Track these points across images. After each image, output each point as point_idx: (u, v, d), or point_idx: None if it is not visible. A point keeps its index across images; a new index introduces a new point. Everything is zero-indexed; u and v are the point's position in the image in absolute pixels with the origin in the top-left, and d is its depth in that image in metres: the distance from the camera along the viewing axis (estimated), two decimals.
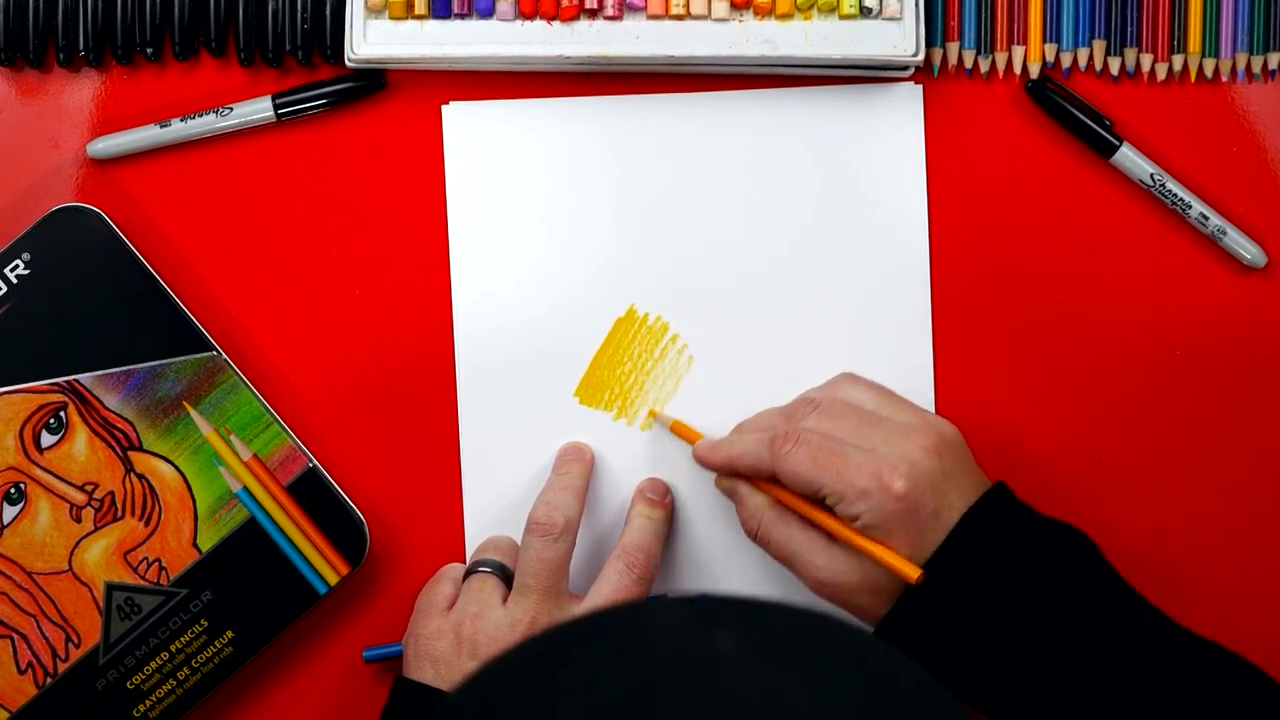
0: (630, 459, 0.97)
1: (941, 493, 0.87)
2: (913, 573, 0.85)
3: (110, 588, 0.94)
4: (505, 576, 0.93)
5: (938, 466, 0.87)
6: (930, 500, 0.86)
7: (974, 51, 0.97)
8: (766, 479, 0.91)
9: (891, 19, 0.95)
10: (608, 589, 0.92)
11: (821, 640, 0.60)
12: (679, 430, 0.96)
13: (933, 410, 0.97)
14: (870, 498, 0.86)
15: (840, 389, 0.92)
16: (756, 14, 0.95)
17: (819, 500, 0.88)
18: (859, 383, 0.92)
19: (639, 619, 0.61)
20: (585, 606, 0.92)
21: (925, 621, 0.86)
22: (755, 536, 0.91)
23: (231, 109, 0.96)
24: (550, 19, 0.94)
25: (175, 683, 0.94)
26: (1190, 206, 0.97)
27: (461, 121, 0.97)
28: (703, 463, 0.94)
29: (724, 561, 0.98)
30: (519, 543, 0.94)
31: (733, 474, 0.93)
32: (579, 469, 0.95)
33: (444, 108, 0.97)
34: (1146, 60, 0.97)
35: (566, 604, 0.92)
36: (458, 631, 0.91)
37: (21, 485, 0.94)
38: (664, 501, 0.96)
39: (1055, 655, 0.85)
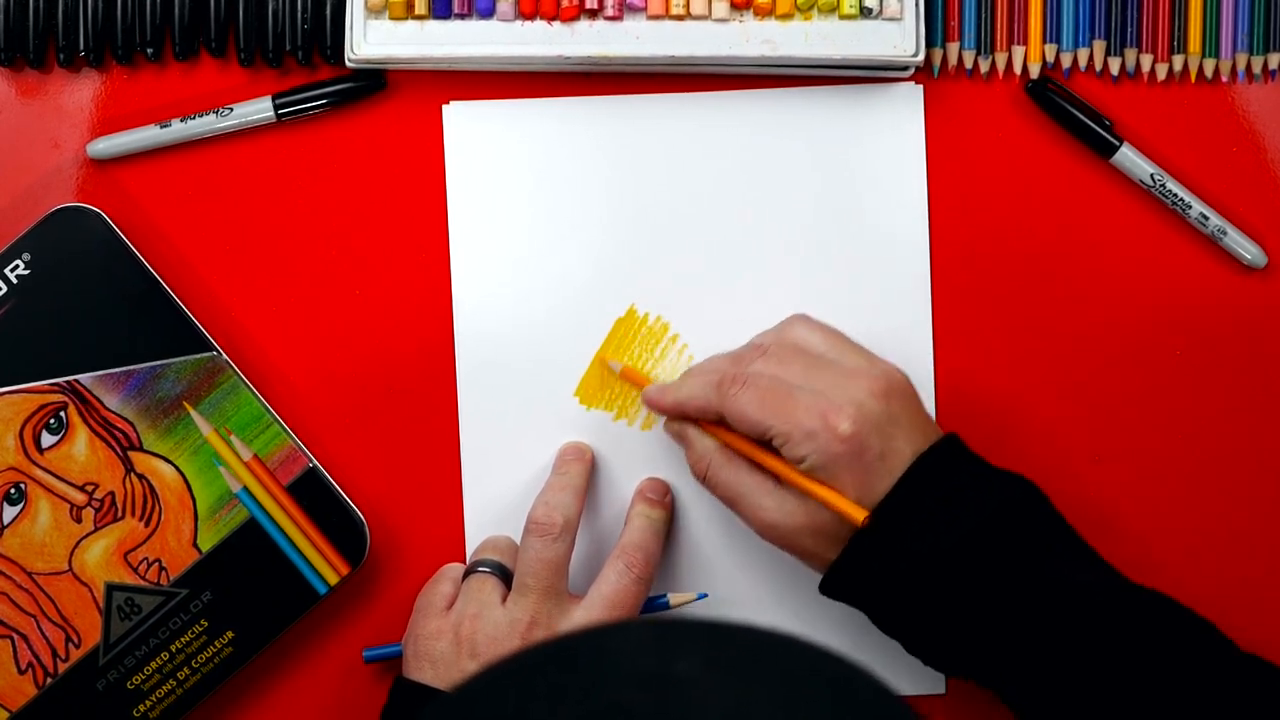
0: (630, 459, 0.97)
1: (888, 436, 0.87)
2: (858, 514, 0.85)
3: (110, 588, 0.94)
4: (505, 576, 0.93)
5: (885, 410, 0.87)
6: (876, 443, 0.86)
7: (974, 52, 0.97)
8: (714, 421, 0.91)
9: (891, 19, 0.95)
10: (607, 589, 0.92)
11: (786, 661, 0.60)
12: (629, 375, 0.96)
13: (933, 408, 0.97)
14: (816, 439, 0.86)
15: (790, 331, 0.92)
16: (756, 14, 0.95)
17: (766, 442, 0.88)
18: (810, 324, 0.92)
19: (603, 642, 0.61)
20: (584, 607, 0.92)
21: (872, 566, 0.86)
22: (703, 479, 0.92)
23: (231, 109, 0.96)
24: (550, 19, 0.94)
25: (175, 683, 0.94)
26: (1190, 206, 0.97)
27: (462, 121, 0.97)
28: (652, 406, 0.94)
29: (725, 561, 0.98)
30: (518, 543, 0.94)
31: (682, 417, 0.93)
32: (579, 468, 0.95)
33: (444, 107, 0.97)
34: (1146, 60, 0.97)
35: (566, 604, 0.92)
36: (457, 631, 0.91)
37: (21, 485, 0.94)
38: (664, 501, 0.96)
39: (1002, 604, 0.85)
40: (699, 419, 0.92)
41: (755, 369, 0.89)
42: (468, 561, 0.96)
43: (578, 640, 0.62)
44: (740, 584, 0.98)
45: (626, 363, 0.96)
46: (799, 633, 0.62)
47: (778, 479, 0.89)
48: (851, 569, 0.87)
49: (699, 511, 0.97)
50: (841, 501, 0.86)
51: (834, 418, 0.86)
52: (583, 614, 0.91)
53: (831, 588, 0.89)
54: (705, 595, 0.97)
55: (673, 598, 0.96)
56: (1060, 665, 0.85)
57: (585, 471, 0.95)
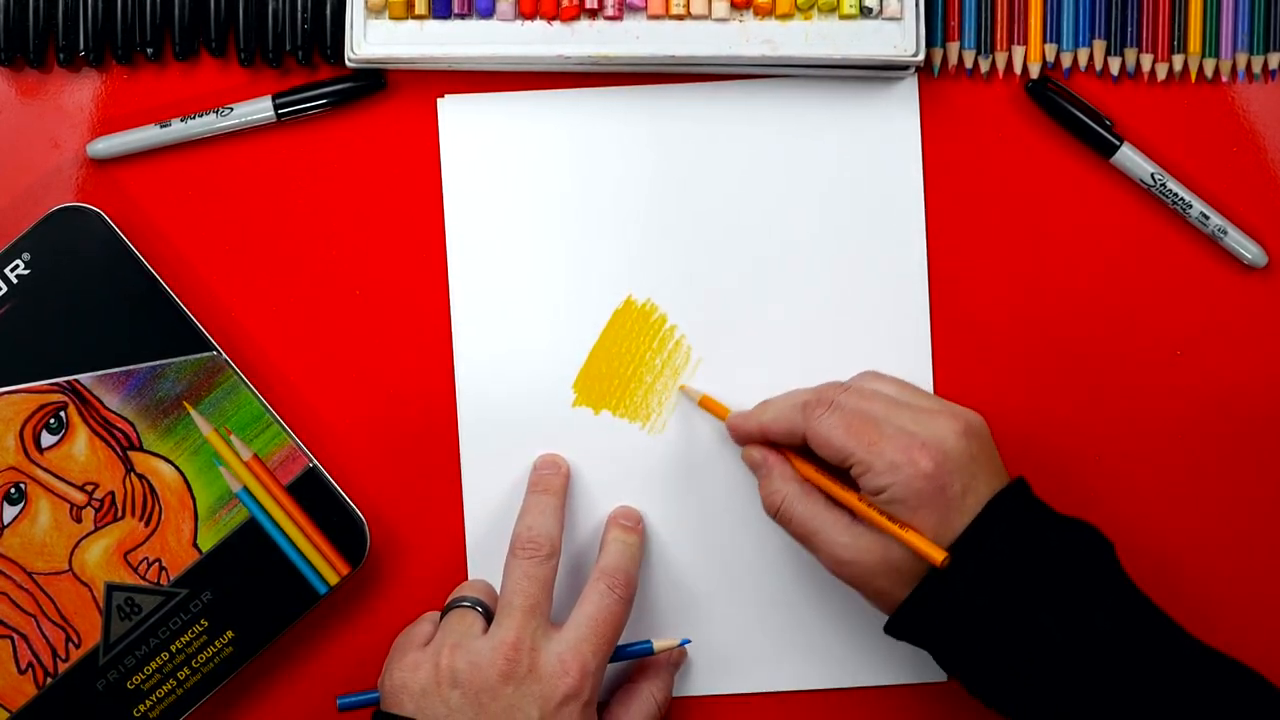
0: (628, 454, 0.97)
1: (969, 475, 0.87)
2: (938, 555, 0.85)
3: (110, 588, 0.94)
4: (485, 613, 0.93)
5: (966, 449, 0.87)
6: (958, 482, 0.86)
7: (974, 51, 0.97)
8: (797, 447, 0.91)
9: (891, 19, 0.95)
10: (590, 609, 0.91)
11: None
12: (707, 405, 0.96)
13: None
14: (899, 471, 0.86)
15: (865, 378, 0.93)
16: (756, 14, 0.95)
17: (844, 470, 0.88)
18: (882, 377, 0.93)
19: None
20: (569, 627, 0.91)
21: (945, 607, 0.86)
22: (777, 512, 0.91)
23: (231, 109, 0.96)
24: (550, 19, 0.94)
25: (175, 683, 0.94)
26: (1191, 206, 0.97)
27: (457, 114, 0.97)
28: (736, 431, 0.94)
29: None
30: (496, 588, 0.94)
31: (763, 442, 0.93)
32: (557, 485, 0.95)
33: (439, 100, 0.97)
34: (1146, 60, 0.97)
35: (549, 629, 0.91)
36: (436, 662, 0.89)
37: (22, 485, 0.94)
38: (637, 528, 0.96)
39: (1067, 655, 0.85)
40: (782, 443, 0.92)
41: (840, 398, 0.90)
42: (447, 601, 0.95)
43: None
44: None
45: (704, 393, 0.96)
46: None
47: (853, 516, 0.89)
48: (924, 609, 0.87)
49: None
50: (920, 541, 0.86)
51: (918, 453, 0.86)
52: (570, 634, 0.90)
53: (899, 627, 0.88)
54: (689, 641, 0.97)
55: (657, 644, 0.95)
56: (1122, 714, 0.85)
57: (563, 489, 0.96)
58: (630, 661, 0.96)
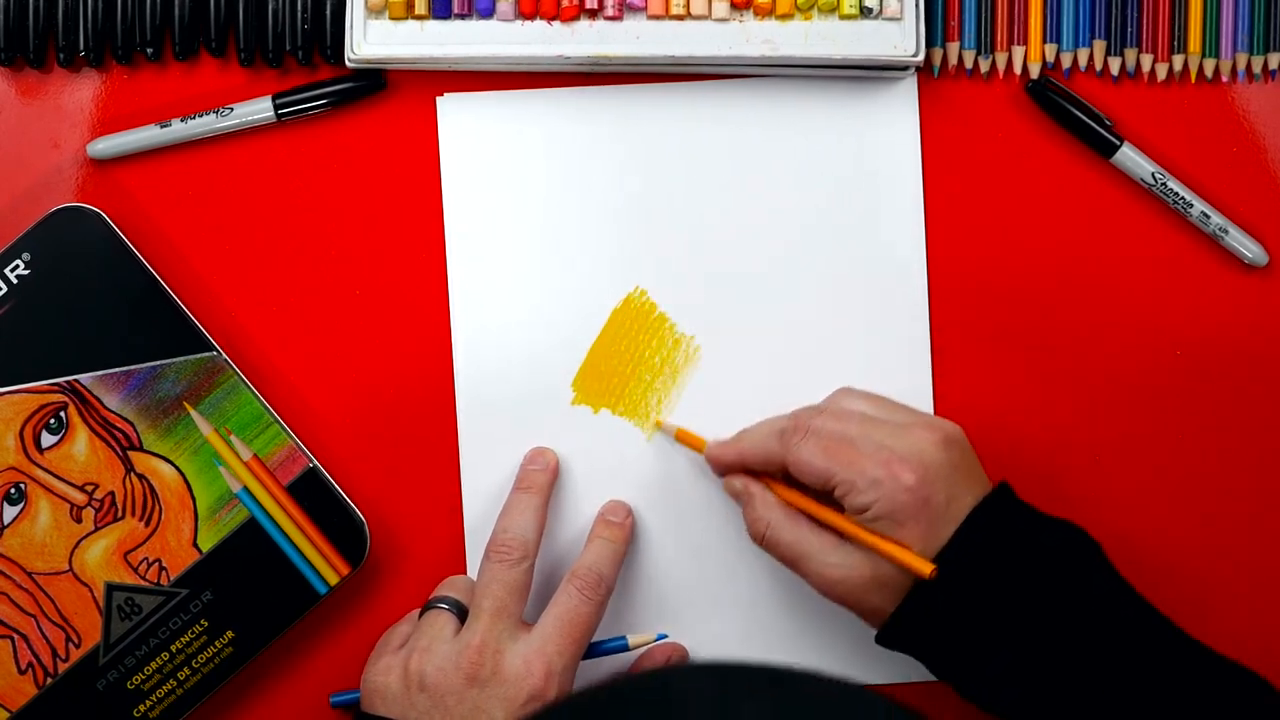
0: (627, 453, 0.97)
1: (953, 484, 0.87)
2: (925, 567, 0.85)
3: (110, 588, 0.94)
4: (461, 614, 0.93)
5: (946, 460, 0.87)
6: (941, 493, 0.87)
7: (974, 51, 0.97)
8: (776, 473, 0.91)
9: (891, 19, 0.95)
10: (558, 610, 0.91)
11: (854, 710, 0.60)
12: (684, 438, 0.96)
13: (930, 408, 0.97)
14: (881, 486, 0.86)
15: (840, 397, 0.93)
16: (756, 14, 0.95)
17: (828, 493, 0.89)
18: (855, 393, 0.93)
19: (664, 690, 0.61)
20: (536, 630, 0.91)
21: (933, 616, 0.86)
22: (763, 539, 0.92)
23: (231, 109, 0.96)
24: (550, 19, 0.94)
25: (175, 683, 0.94)
26: (1191, 205, 0.97)
27: (456, 113, 0.97)
28: (714, 461, 0.94)
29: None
30: None
31: (743, 471, 0.93)
32: (542, 481, 0.95)
33: (439, 99, 0.97)
34: (1146, 60, 0.97)
35: (518, 630, 0.91)
36: (405, 666, 0.90)
37: (22, 485, 0.94)
38: (623, 523, 0.96)
39: (1060, 655, 0.85)
40: (760, 471, 0.92)
41: (816, 423, 0.90)
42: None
43: (636, 686, 0.62)
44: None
45: (680, 426, 0.96)
46: (852, 678, 0.61)
47: (839, 536, 0.89)
48: (913, 620, 0.87)
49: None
50: (906, 555, 0.86)
51: (898, 468, 0.87)
52: (536, 636, 0.90)
53: (890, 638, 0.88)
54: (665, 636, 0.97)
55: (632, 639, 0.96)
56: (1119, 713, 0.85)
57: (548, 486, 0.96)
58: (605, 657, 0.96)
